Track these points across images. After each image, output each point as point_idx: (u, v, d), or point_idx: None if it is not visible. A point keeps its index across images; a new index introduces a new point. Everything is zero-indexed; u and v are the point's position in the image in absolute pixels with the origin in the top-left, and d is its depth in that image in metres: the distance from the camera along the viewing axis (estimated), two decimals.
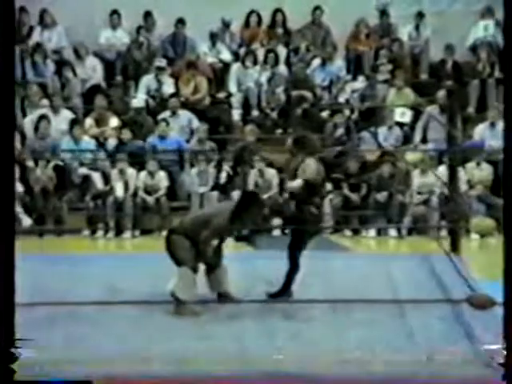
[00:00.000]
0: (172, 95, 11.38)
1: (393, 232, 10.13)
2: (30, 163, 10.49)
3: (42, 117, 10.72)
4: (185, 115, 11.22)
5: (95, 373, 4.42)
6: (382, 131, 11.06)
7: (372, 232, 10.16)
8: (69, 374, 4.34)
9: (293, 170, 5.83)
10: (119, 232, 10.06)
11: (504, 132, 3.74)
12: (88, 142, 10.67)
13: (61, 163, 10.56)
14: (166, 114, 11.08)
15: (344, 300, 5.53)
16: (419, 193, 10.26)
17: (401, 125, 11.17)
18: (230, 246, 9.32)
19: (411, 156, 10.40)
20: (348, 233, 10.17)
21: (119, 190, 10.23)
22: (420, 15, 12.13)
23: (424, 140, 10.96)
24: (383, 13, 12.25)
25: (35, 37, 12.07)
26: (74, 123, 10.68)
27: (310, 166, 5.75)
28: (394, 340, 4.92)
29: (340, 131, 10.97)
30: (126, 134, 10.67)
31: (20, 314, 4.10)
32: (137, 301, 5.61)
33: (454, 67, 11.77)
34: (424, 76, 12.07)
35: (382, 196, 10.27)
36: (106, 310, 5.36)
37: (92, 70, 11.82)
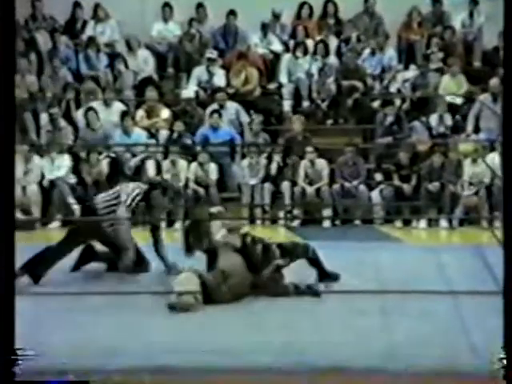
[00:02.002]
0: (219, 89, 11.32)
1: (444, 223, 9.93)
2: (83, 155, 10.53)
3: (90, 109, 10.74)
4: (232, 107, 11.14)
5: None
6: (433, 121, 10.85)
7: (423, 223, 9.96)
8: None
9: None
10: (171, 223, 10.02)
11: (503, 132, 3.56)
12: (139, 134, 10.65)
13: (113, 155, 10.57)
14: (214, 106, 11.03)
15: (395, 291, 5.39)
16: (471, 183, 10.03)
17: (453, 112, 10.93)
18: (281, 236, 9.32)
19: (464, 146, 10.17)
20: (399, 224, 10.00)
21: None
22: (474, 2, 11.88)
23: (476, 129, 10.71)
24: (436, 0, 12.02)
25: (89, 31, 12.13)
26: (125, 115, 10.66)
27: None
28: (446, 333, 4.77)
29: (391, 121, 10.80)
30: (179, 126, 10.63)
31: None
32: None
33: None
34: (477, 64, 11.80)
35: (433, 186, 10.06)
36: None
37: (144, 63, 11.81)
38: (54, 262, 6.04)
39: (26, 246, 7.89)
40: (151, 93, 11.06)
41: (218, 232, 5.80)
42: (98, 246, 6.39)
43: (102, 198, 6.37)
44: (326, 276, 5.85)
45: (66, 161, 10.34)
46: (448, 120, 10.82)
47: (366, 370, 4.28)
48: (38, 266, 5.93)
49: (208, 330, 4.93)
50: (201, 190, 10.22)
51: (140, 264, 6.24)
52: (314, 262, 5.86)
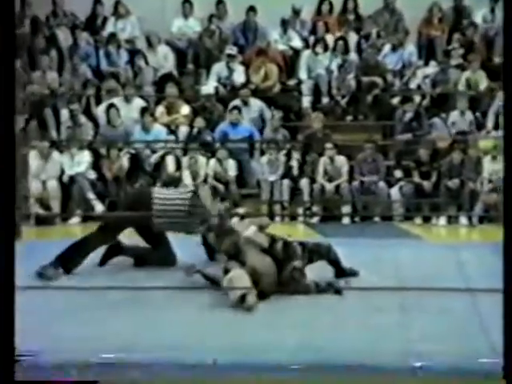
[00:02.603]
0: (243, 85, 11.30)
1: (463, 220, 9.87)
2: (103, 151, 10.56)
3: (111, 105, 10.75)
4: (256, 105, 11.12)
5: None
6: (453, 117, 10.78)
7: (442, 220, 9.91)
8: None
9: None
10: None
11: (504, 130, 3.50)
12: (159, 130, 10.66)
13: (133, 151, 10.59)
14: (237, 102, 11.01)
15: (414, 288, 5.36)
16: (490, 180, 9.96)
17: (473, 108, 10.86)
18: (300, 233, 9.30)
19: (484, 143, 10.11)
20: (418, 221, 9.95)
21: (187, 179, 10.21)
22: None
23: (496, 126, 10.63)
24: None
25: (109, 27, 12.16)
26: (144, 111, 10.67)
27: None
28: (465, 331, 4.74)
29: (410, 117, 10.74)
30: (199, 123, 10.62)
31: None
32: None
33: None
34: (498, 60, 11.73)
35: (453, 183, 10.01)
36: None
37: (164, 59, 11.83)
38: (87, 255, 6.04)
39: (45, 241, 8.02)
40: (171, 89, 11.07)
41: (247, 229, 5.72)
42: (126, 241, 6.38)
43: (163, 193, 6.23)
44: (342, 273, 5.83)
45: (86, 157, 10.37)
46: (468, 117, 10.76)
47: (384, 367, 4.26)
48: (71, 258, 5.93)
49: (227, 327, 4.92)
50: (220, 187, 10.21)
51: (171, 258, 6.24)
52: (333, 262, 5.83)
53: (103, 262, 6.34)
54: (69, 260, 5.91)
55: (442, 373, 4.24)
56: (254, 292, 5.19)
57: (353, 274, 5.83)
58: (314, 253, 5.71)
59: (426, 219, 9.96)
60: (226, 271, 5.39)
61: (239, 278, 5.30)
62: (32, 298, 5.01)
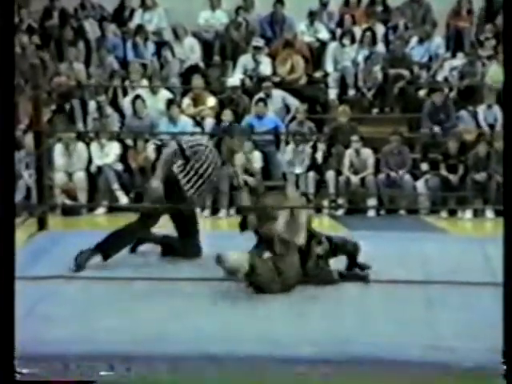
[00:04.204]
0: (265, 77, 11.25)
1: (490, 214, 9.77)
2: (129, 142, 10.56)
3: (137, 97, 10.74)
4: (278, 95, 11.07)
5: None
6: (481, 110, 10.66)
7: (468, 213, 9.81)
8: None
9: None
10: (215, 211, 10.01)
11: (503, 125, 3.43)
12: (185, 122, 10.64)
13: (159, 143, 10.59)
14: (260, 95, 10.96)
15: (440, 282, 5.29)
16: None
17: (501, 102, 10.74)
18: (325, 225, 9.25)
19: None
20: (444, 214, 9.86)
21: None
22: None
23: None
24: None
25: (136, 19, 12.16)
26: (171, 103, 10.64)
27: None
28: (491, 326, 4.67)
29: (437, 110, 10.64)
30: (227, 115, 10.57)
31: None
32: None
33: None
34: None
35: (480, 177, 9.90)
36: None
37: (190, 51, 11.81)
38: (127, 243, 6.04)
39: (71, 232, 8.03)
40: (197, 81, 11.03)
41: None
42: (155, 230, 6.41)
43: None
44: (355, 266, 5.77)
45: (114, 148, 10.39)
46: (497, 109, 10.63)
47: (408, 361, 4.21)
48: (111, 245, 5.93)
49: (251, 318, 4.89)
50: (250, 179, 10.17)
51: (196, 250, 6.22)
52: (351, 256, 5.77)
53: (134, 248, 6.39)
54: (108, 248, 5.90)
55: (466, 369, 4.18)
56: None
57: (366, 267, 5.76)
58: (340, 248, 5.66)
59: (452, 212, 9.87)
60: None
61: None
62: (59, 288, 5.03)
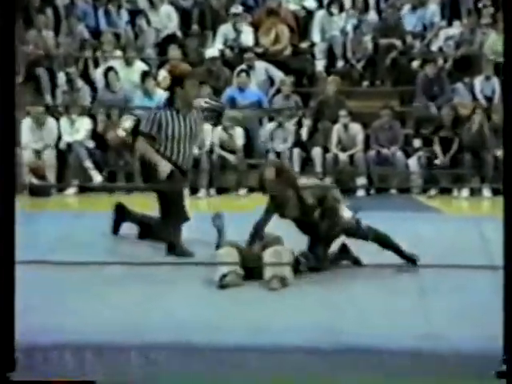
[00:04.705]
0: (247, 49, 11.17)
1: (487, 192, 9.77)
2: (102, 117, 10.45)
3: (110, 69, 10.64)
4: (261, 67, 10.99)
5: None
6: (478, 82, 10.64)
7: (465, 192, 9.81)
8: None
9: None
10: (194, 190, 9.95)
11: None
12: (162, 96, 10.53)
13: (134, 117, 10.48)
14: (242, 67, 10.87)
15: (435, 265, 5.28)
16: None
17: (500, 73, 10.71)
18: None
19: None
20: (438, 193, 9.84)
21: None
22: None
23: None
24: None
25: None
26: (146, 75, 10.54)
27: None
28: (487, 312, 4.65)
29: (431, 82, 10.60)
30: (205, 90, 10.47)
31: None
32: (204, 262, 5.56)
33: None
34: None
35: (475, 152, 9.89)
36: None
37: (167, 19, 11.68)
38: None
39: (41, 213, 7.95)
40: (174, 52, 10.94)
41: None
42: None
43: None
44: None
45: (85, 123, 10.29)
46: (495, 81, 10.60)
47: (402, 351, 4.19)
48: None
49: (240, 306, 4.88)
50: (230, 157, 10.11)
51: (176, 234, 6.21)
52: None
53: (116, 229, 6.39)
54: None
55: (461, 357, 4.16)
56: (237, 272, 5.26)
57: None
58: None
59: (447, 191, 9.86)
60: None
61: (227, 255, 5.40)
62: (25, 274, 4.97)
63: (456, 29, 11.39)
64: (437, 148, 10.00)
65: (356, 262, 5.64)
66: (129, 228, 6.48)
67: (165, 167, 5.94)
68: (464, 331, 4.37)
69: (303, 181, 5.78)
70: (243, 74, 10.59)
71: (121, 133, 9.94)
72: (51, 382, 3.90)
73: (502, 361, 3.45)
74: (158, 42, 11.51)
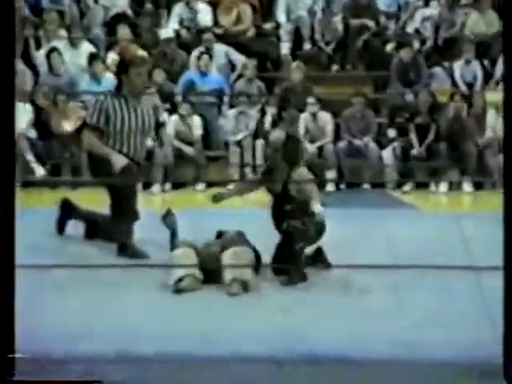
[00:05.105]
0: (205, 29, 11.16)
1: (467, 187, 9.84)
2: (45, 103, 10.39)
3: (53, 50, 10.62)
4: (221, 51, 10.99)
5: None
6: (458, 66, 10.72)
7: (443, 186, 9.87)
8: None
9: None
10: (147, 185, 9.91)
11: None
12: (111, 80, 10.48)
13: (80, 104, 10.43)
14: (200, 49, 10.86)
15: (409, 266, 5.29)
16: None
17: (481, 56, 10.79)
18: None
19: (492, 95, 10.06)
20: (413, 188, 9.91)
21: None
22: None
23: None
24: None
25: None
26: (93, 58, 10.53)
27: None
28: (468, 317, 4.67)
29: (407, 67, 10.67)
30: (158, 75, 10.45)
31: None
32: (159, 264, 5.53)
33: None
34: None
35: (453, 143, 9.97)
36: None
37: None
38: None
39: None
40: (124, 31, 10.93)
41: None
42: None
43: None
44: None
45: (27, 111, 10.20)
46: (476, 66, 10.68)
47: (373, 359, 4.19)
48: None
49: (196, 312, 4.87)
50: (187, 149, 10.07)
51: (127, 233, 6.20)
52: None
53: (61, 228, 6.33)
54: None
55: (439, 365, 4.17)
56: (194, 275, 5.28)
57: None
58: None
59: (424, 186, 9.93)
60: None
61: (184, 256, 5.42)
62: None
63: (433, 9, 11.49)
64: (413, 137, 10.06)
65: (328, 267, 5.65)
66: (74, 227, 6.46)
67: (119, 160, 5.89)
68: (438, 337, 4.38)
69: None
70: (206, 56, 10.61)
71: (74, 122, 9.94)
72: (51, 382, 3.95)
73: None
74: (106, 21, 11.51)
